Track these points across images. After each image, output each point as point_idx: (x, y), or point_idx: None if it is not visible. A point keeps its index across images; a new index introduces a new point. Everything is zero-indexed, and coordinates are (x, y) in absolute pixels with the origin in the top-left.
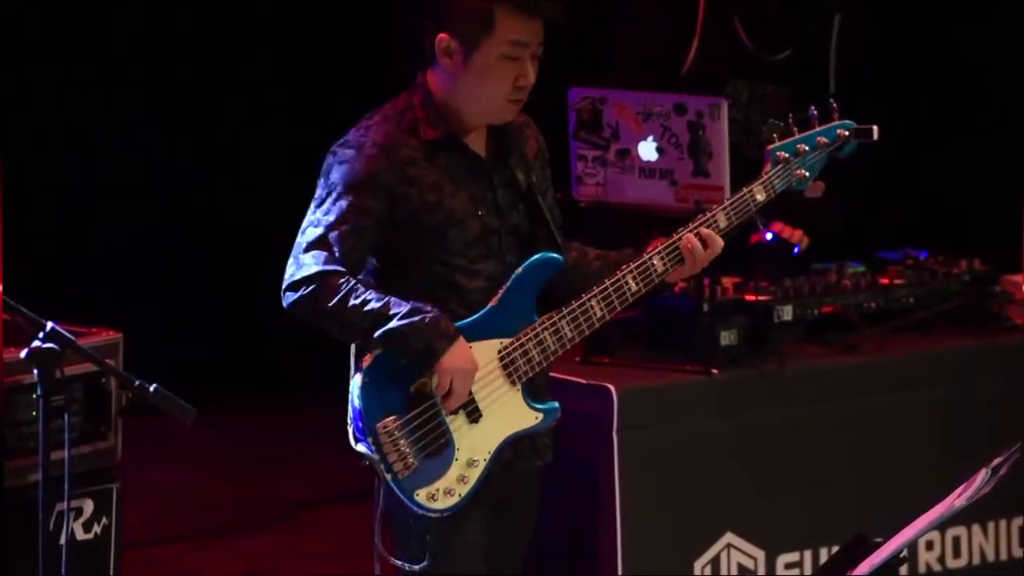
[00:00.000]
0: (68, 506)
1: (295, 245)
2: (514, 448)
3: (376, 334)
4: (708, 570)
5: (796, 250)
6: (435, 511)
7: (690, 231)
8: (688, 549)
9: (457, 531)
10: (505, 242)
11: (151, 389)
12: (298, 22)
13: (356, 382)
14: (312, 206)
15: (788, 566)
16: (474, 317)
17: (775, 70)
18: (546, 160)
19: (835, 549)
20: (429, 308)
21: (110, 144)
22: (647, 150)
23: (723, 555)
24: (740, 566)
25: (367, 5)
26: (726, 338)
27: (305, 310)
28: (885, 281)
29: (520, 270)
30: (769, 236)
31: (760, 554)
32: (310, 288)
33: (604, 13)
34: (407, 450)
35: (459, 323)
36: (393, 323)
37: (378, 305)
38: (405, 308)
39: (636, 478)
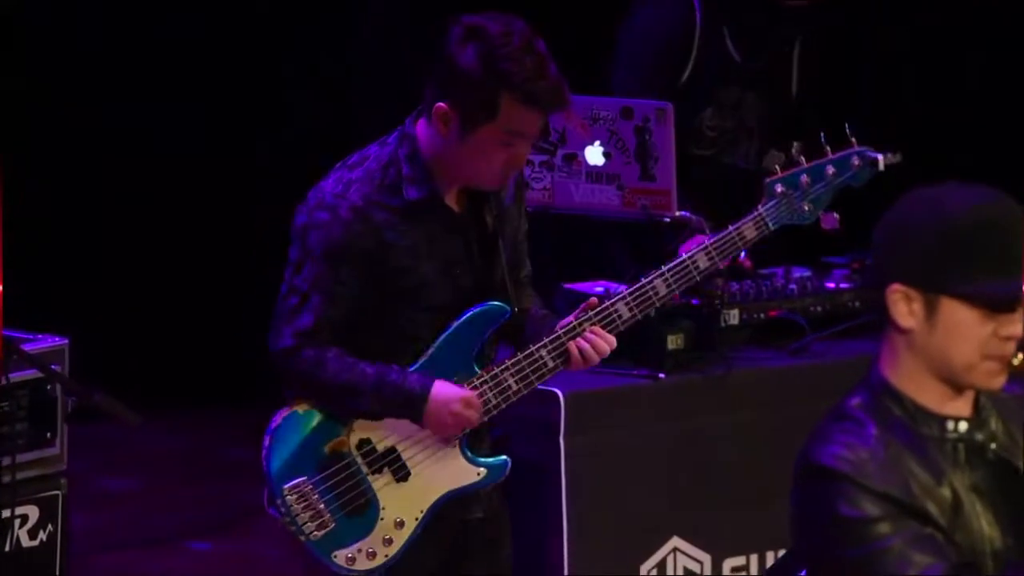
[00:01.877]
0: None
1: (276, 311)
2: (460, 501)
3: (347, 410)
4: (654, 573)
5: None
6: (355, 573)
7: (659, 276)
8: (634, 553)
9: None
10: (473, 298)
11: (96, 395)
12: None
13: (266, 442)
14: (289, 269)
15: (734, 570)
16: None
17: (752, 77)
18: (523, 194)
19: (781, 553)
20: (391, 376)
21: (56, 144)
22: (594, 155)
23: (669, 559)
24: (686, 570)
25: None
26: (673, 342)
27: (286, 380)
28: (831, 285)
29: (458, 321)
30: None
31: (706, 558)
32: (286, 360)
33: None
34: (323, 511)
35: None
36: (361, 406)
37: (345, 378)
38: (370, 381)
39: (583, 482)
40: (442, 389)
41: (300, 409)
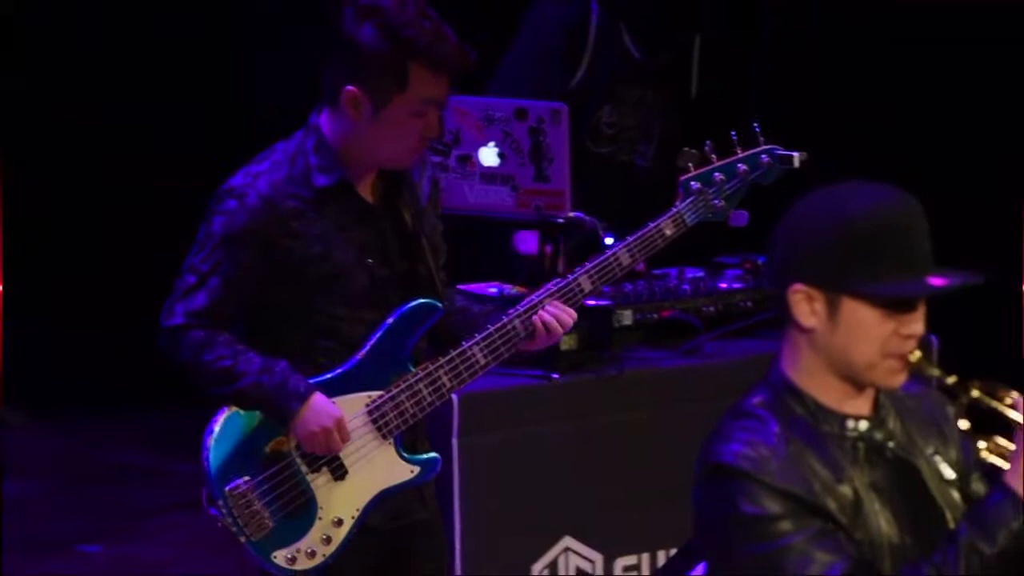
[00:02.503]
0: None
1: (172, 288)
2: (396, 501)
3: (223, 393)
4: (546, 573)
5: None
6: (296, 573)
7: (587, 272)
8: (526, 552)
9: None
10: (393, 291)
11: None
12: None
13: (206, 443)
14: (193, 249)
15: (626, 569)
16: (338, 371)
17: (652, 75)
18: (439, 195)
19: (673, 552)
20: (279, 367)
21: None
22: (488, 156)
23: (561, 559)
24: (578, 569)
25: None
26: (566, 343)
27: (170, 358)
28: (724, 285)
29: (392, 319)
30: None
31: (598, 557)
32: (173, 338)
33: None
34: (262, 512)
35: (321, 377)
36: (238, 384)
37: (229, 363)
38: (254, 367)
39: (476, 482)
40: (323, 400)
41: (241, 410)
